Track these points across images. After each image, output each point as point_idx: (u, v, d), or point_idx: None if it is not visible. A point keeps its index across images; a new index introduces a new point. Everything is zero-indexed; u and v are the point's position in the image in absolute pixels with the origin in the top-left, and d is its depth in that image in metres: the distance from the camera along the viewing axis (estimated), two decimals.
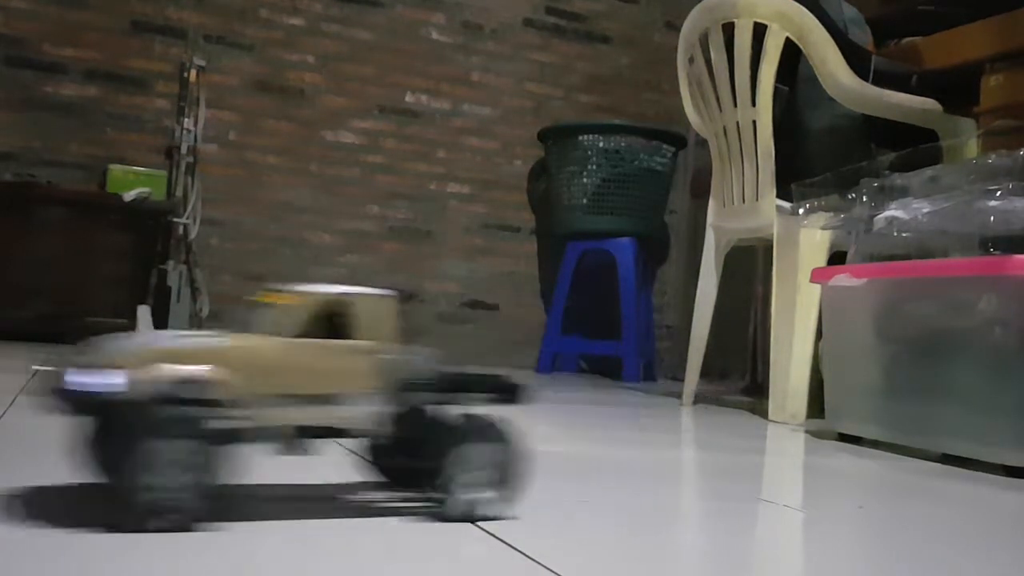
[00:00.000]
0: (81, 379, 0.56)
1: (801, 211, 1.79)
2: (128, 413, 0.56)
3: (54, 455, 0.83)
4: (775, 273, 1.94)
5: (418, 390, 0.66)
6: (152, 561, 0.51)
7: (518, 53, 3.50)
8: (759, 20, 1.94)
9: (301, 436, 0.64)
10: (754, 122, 1.98)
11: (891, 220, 1.51)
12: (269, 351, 0.61)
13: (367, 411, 0.64)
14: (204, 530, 0.58)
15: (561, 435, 1.35)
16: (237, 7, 3.09)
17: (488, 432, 0.67)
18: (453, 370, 0.69)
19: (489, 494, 0.67)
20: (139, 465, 0.55)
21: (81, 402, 0.56)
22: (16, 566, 0.49)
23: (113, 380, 0.56)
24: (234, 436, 0.59)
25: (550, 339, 3.20)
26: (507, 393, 0.72)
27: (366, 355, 0.64)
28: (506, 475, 0.68)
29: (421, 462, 0.66)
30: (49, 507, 0.63)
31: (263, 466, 0.69)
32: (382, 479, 0.74)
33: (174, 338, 0.61)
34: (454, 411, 0.68)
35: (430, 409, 0.68)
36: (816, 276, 1.66)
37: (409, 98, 3.33)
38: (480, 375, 0.71)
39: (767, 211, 1.96)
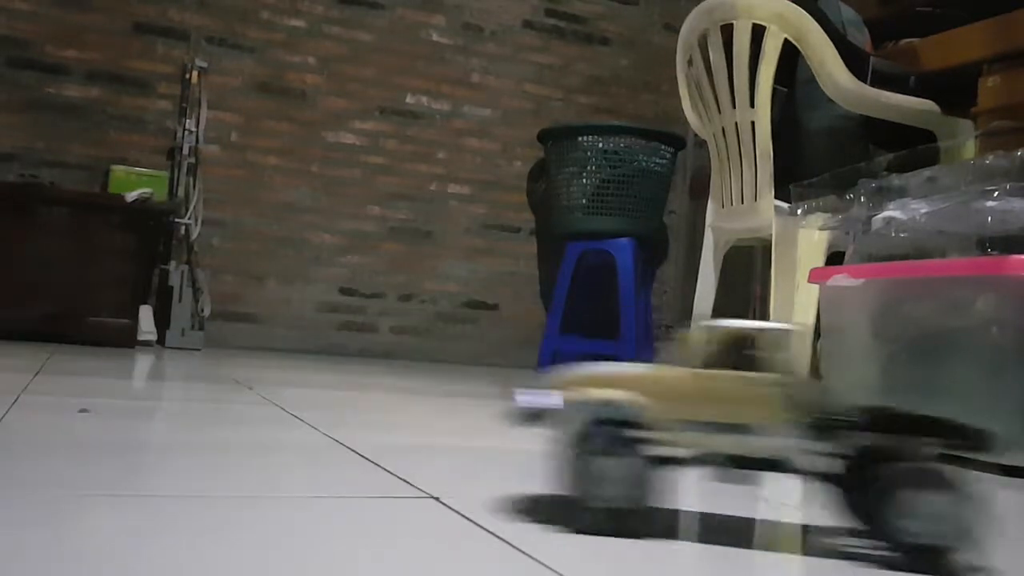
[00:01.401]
0: (528, 398, 0.68)
1: (799, 211, 1.80)
2: (568, 429, 0.67)
3: (56, 456, 0.84)
4: (773, 273, 1.95)
5: (839, 427, 0.64)
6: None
7: (518, 55, 3.51)
8: (757, 21, 1.95)
9: (729, 465, 0.67)
10: (752, 123, 1.99)
11: (889, 220, 1.52)
12: (679, 380, 0.67)
13: (782, 444, 0.64)
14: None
15: None
16: (239, 9, 3.10)
17: (933, 478, 0.63)
18: (888, 408, 0.65)
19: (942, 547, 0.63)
20: (575, 474, 0.67)
21: (526, 415, 0.69)
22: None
23: (550, 400, 0.68)
24: (658, 458, 0.67)
25: (550, 339, 3.20)
26: (963, 439, 0.64)
27: (772, 387, 0.65)
28: (961, 529, 0.62)
29: (862, 504, 0.65)
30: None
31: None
32: (846, 520, 0.69)
33: (602, 367, 0.70)
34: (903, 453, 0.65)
35: (878, 446, 0.65)
36: (814, 276, 1.67)
37: (410, 99, 3.34)
38: (924, 416, 0.64)
39: (765, 211, 1.97)
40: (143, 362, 2.14)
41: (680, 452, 0.67)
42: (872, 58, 2.05)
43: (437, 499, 0.75)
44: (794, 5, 1.93)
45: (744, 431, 0.65)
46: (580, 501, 0.66)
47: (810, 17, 1.93)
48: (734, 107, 2.03)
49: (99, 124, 2.93)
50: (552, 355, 3.23)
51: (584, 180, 3.11)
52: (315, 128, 3.20)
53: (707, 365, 0.67)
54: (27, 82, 2.85)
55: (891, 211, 1.51)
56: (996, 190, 1.35)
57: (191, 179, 2.90)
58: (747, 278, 2.86)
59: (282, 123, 3.16)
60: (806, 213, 1.79)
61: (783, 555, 0.66)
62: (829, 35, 1.93)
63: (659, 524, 0.70)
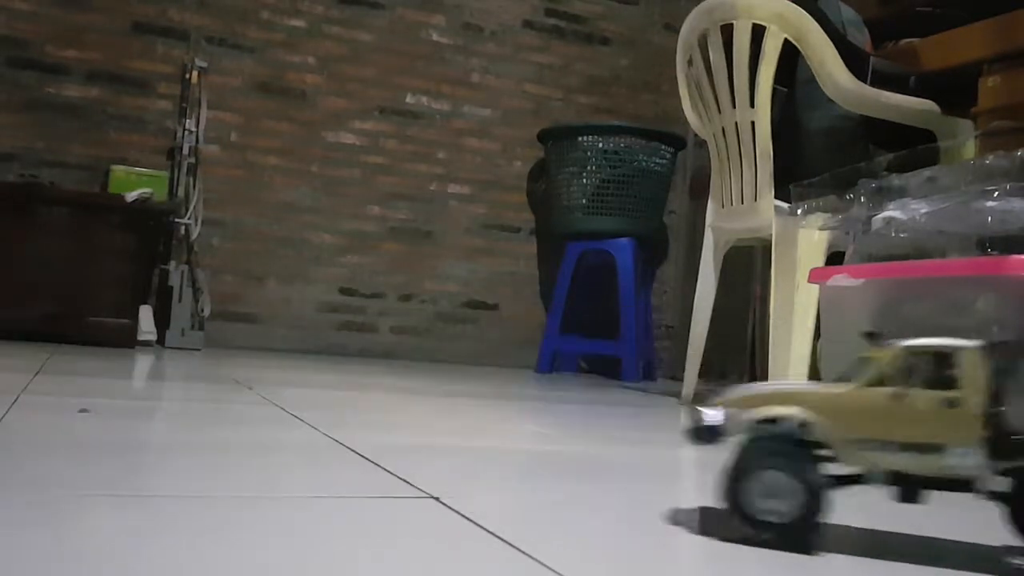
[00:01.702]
0: (712, 416, 0.71)
1: (799, 211, 1.79)
2: (737, 444, 0.69)
3: (56, 456, 0.84)
4: (773, 273, 1.95)
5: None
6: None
7: (518, 54, 3.50)
8: (757, 21, 1.95)
9: (905, 484, 0.67)
10: (752, 123, 1.99)
11: (889, 220, 1.51)
12: (851, 398, 0.67)
13: (964, 464, 0.63)
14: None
15: (560, 434, 1.36)
16: (238, 9, 3.10)
17: None
18: None
19: None
20: (739, 485, 0.68)
21: (708, 433, 0.71)
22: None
23: (717, 417, 0.70)
24: (833, 476, 0.68)
25: (550, 339, 3.20)
26: None
27: (957, 407, 0.64)
28: None
29: None
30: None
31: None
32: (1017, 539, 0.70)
33: (768, 386, 0.71)
34: None
35: None
36: (814, 276, 1.66)
37: (410, 99, 3.34)
38: None
39: (765, 211, 1.97)
40: (143, 362, 2.14)
41: (855, 470, 0.68)
42: (872, 58, 2.05)
43: (437, 499, 0.75)
44: (794, 5, 1.93)
45: (931, 450, 0.64)
46: (749, 515, 0.67)
47: (810, 17, 1.93)
48: (734, 107, 2.03)
49: (99, 124, 2.93)
50: (552, 355, 3.23)
51: (584, 180, 3.11)
52: (315, 128, 3.20)
53: (882, 383, 0.66)
54: (27, 82, 2.85)
55: (891, 211, 1.51)
56: (996, 190, 1.35)
57: (191, 179, 2.90)
58: (747, 278, 2.86)
59: (282, 123, 3.16)
60: (806, 213, 1.78)
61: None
62: (829, 35, 1.93)
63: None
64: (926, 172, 1.50)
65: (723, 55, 2.03)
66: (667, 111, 3.57)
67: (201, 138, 2.92)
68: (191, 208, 2.88)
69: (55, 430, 0.97)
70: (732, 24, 1.99)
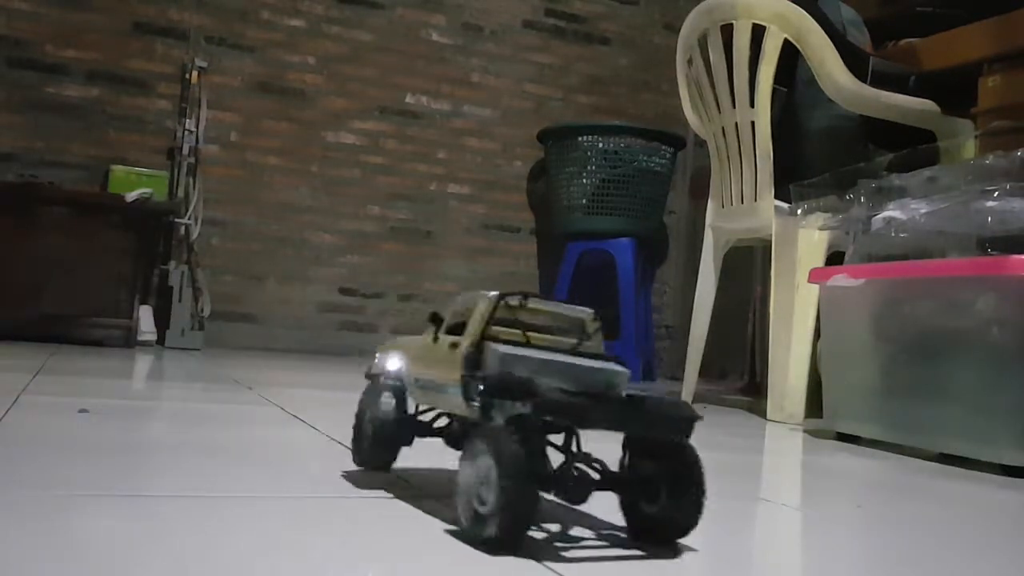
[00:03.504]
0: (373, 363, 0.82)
1: (799, 211, 1.80)
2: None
3: (56, 456, 0.84)
4: (773, 273, 1.95)
5: (499, 392, 0.61)
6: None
7: (518, 54, 3.50)
8: (757, 21, 1.95)
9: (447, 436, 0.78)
10: (752, 123, 1.99)
11: (889, 220, 1.52)
12: (415, 346, 0.75)
13: (455, 402, 0.65)
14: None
15: (559, 434, 1.36)
16: (238, 9, 3.10)
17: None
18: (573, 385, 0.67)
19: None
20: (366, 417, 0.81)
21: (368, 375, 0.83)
22: None
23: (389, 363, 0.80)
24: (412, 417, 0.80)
25: None
26: (659, 426, 0.64)
27: (455, 349, 0.66)
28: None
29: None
30: None
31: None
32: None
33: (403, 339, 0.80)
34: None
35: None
36: (814, 276, 1.67)
37: (409, 99, 3.34)
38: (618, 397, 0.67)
39: (765, 211, 1.97)
40: (143, 362, 2.14)
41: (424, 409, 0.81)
42: (872, 58, 2.05)
43: (436, 499, 0.75)
44: (794, 5, 1.93)
45: (439, 389, 0.69)
46: (366, 426, 0.81)
47: (810, 17, 1.93)
48: (734, 107, 2.03)
49: (99, 124, 2.93)
50: None
51: (584, 180, 3.11)
52: (315, 128, 3.20)
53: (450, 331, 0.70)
54: (27, 82, 2.85)
55: (891, 211, 1.51)
56: (996, 190, 1.35)
57: (191, 179, 2.90)
58: (747, 278, 2.86)
59: (282, 123, 3.16)
60: (806, 213, 1.78)
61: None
62: (829, 35, 1.93)
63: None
64: (926, 172, 1.51)
65: (723, 55, 2.03)
66: (667, 111, 3.57)
67: (201, 138, 2.93)
68: (191, 208, 2.88)
69: (55, 430, 0.97)
70: (732, 24, 1.99)
